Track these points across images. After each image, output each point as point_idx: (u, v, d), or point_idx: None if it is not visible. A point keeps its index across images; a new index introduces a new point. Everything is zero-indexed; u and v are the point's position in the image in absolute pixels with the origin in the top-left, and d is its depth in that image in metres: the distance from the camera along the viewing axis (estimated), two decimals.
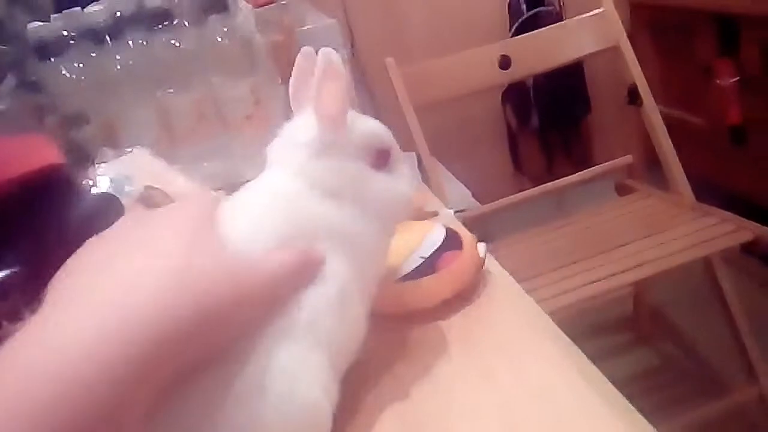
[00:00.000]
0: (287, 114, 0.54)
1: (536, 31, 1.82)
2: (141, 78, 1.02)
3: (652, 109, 1.73)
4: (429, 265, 0.56)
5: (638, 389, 1.80)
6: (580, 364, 0.47)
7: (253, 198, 0.46)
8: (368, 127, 0.50)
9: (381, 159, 0.49)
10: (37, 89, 0.83)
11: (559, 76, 2.27)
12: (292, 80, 0.50)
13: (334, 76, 0.45)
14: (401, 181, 0.50)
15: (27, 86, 0.82)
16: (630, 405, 0.43)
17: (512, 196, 1.83)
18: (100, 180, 0.89)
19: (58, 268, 0.45)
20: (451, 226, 0.62)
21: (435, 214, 0.78)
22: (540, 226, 1.78)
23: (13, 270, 0.48)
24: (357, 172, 0.47)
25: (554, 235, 1.73)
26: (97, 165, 0.93)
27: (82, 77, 0.95)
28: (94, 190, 0.66)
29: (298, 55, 0.50)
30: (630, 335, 2.12)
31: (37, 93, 0.83)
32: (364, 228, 0.46)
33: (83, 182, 0.80)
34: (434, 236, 0.59)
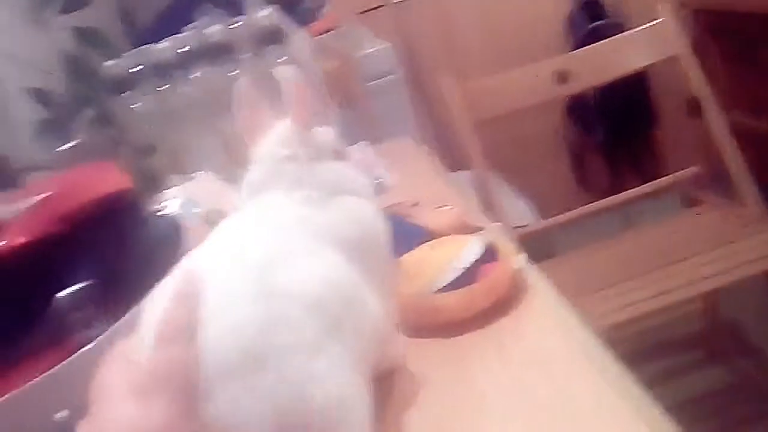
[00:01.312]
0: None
1: (594, 44, 1.82)
2: (205, 109, 1.08)
3: (717, 119, 1.70)
4: (466, 277, 0.59)
5: (710, 408, 1.74)
6: (618, 377, 0.48)
7: (272, 224, 0.48)
8: (324, 130, 0.55)
9: (340, 156, 0.54)
10: (111, 122, 0.90)
11: (623, 87, 2.24)
12: (240, 113, 0.54)
13: (298, 86, 0.50)
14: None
15: (102, 120, 0.89)
16: (664, 421, 0.43)
17: (575, 210, 1.82)
18: (169, 203, 0.96)
19: (127, 283, 0.50)
20: (492, 240, 0.65)
21: (480, 228, 0.81)
22: (605, 240, 1.76)
23: (87, 283, 0.54)
24: (339, 166, 0.53)
25: (619, 248, 1.71)
26: (165, 190, 0.99)
27: (151, 110, 1.03)
28: (160, 214, 0.72)
29: (236, 88, 0.54)
30: (701, 352, 2.05)
31: (110, 126, 0.90)
32: (364, 217, 0.51)
33: (151, 206, 0.86)
34: (473, 249, 0.61)
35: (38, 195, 0.55)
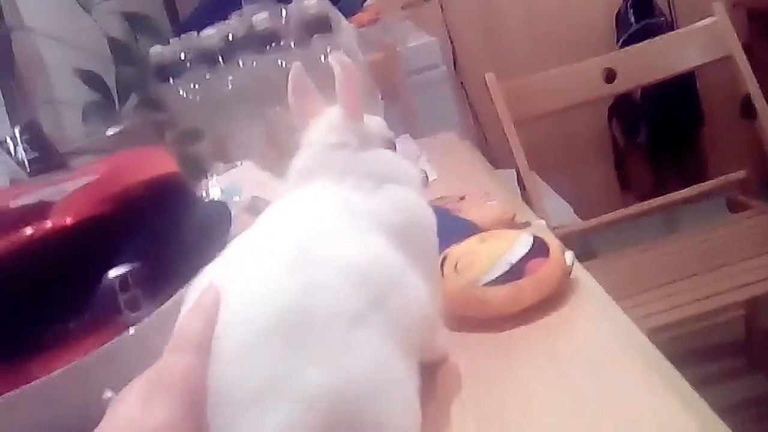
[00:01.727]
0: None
1: (643, 42, 1.78)
2: (251, 97, 1.08)
3: (767, 121, 1.66)
4: (515, 271, 0.58)
5: (749, 416, 1.71)
6: (667, 375, 0.46)
7: (315, 206, 0.47)
8: (374, 118, 0.54)
9: (390, 145, 0.54)
10: (157, 108, 0.91)
11: (670, 88, 2.20)
12: (292, 97, 0.54)
13: (350, 74, 0.50)
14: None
15: (148, 105, 0.90)
16: (717, 421, 0.41)
17: (617, 212, 1.79)
18: (212, 190, 0.96)
19: (174, 265, 0.49)
20: (542, 235, 0.63)
21: (527, 224, 0.79)
22: (647, 243, 1.73)
23: (134, 265, 0.54)
24: (388, 155, 0.52)
25: (661, 251, 1.68)
26: (209, 177, 1.00)
27: (197, 97, 1.03)
28: (206, 199, 0.72)
29: (292, 72, 0.54)
30: (742, 360, 2.01)
31: (156, 111, 0.90)
32: (411, 206, 0.50)
33: (197, 191, 0.86)
34: (522, 244, 0.60)
35: (85, 177, 0.55)
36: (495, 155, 2.25)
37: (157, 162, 0.59)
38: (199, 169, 0.93)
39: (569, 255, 0.61)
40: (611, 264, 1.65)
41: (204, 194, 0.93)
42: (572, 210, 2.23)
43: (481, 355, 0.55)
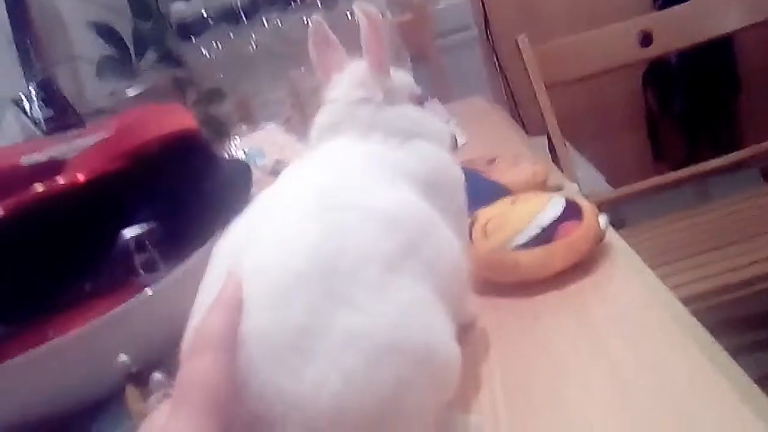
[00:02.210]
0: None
1: (682, 4, 1.71)
2: (275, 57, 1.06)
3: None
4: (546, 235, 0.55)
5: None
6: (702, 342, 0.44)
7: (340, 158, 0.46)
8: (401, 73, 0.52)
9: (418, 100, 0.51)
10: (177, 64, 0.88)
11: (707, 53, 2.13)
12: (314, 51, 0.51)
13: (376, 26, 0.47)
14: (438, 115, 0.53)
15: (167, 61, 0.87)
16: (753, 384, 0.39)
17: (648, 180, 1.74)
18: (236, 152, 0.94)
19: (194, 224, 0.48)
20: (575, 198, 0.61)
21: (560, 188, 0.76)
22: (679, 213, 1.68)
23: (151, 225, 0.52)
24: (415, 112, 0.50)
25: (693, 221, 1.64)
26: (232, 139, 0.98)
27: (220, 56, 1.01)
28: (229, 157, 0.70)
29: (312, 25, 0.51)
30: None
31: (176, 68, 0.88)
32: (439, 161, 0.48)
33: (218, 151, 0.84)
34: (554, 206, 0.57)
35: (99, 133, 0.53)
36: (526, 122, 2.20)
37: (175, 118, 0.57)
38: (221, 131, 0.91)
39: (603, 218, 0.58)
40: (642, 233, 1.61)
41: (226, 156, 0.92)
42: (603, 179, 2.18)
43: (510, 321, 0.53)
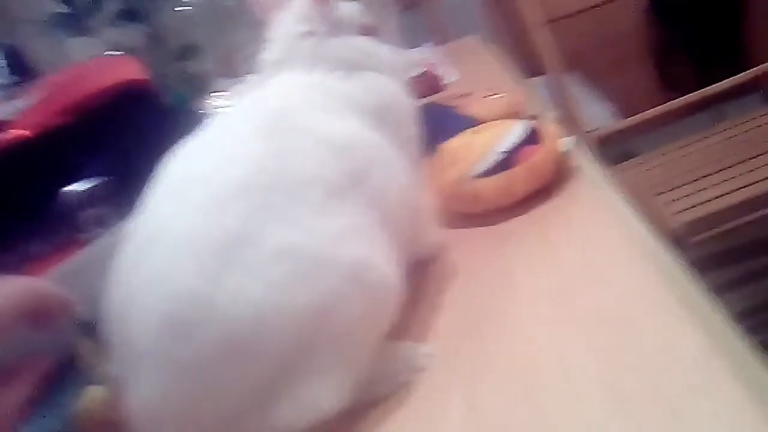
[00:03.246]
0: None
1: None
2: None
3: None
4: (507, 161, 0.53)
5: None
6: (657, 257, 0.43)
7: (293, 90, 0.46)
8: (348, 4, 0.51)
9: (369, 32, 0.50)
10: (141, 19, 0.86)
11: None
12: None
13: None
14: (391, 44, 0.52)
15: (129, 15, 0.85)
16: (704, 297, 0.38)
17: (654, 109, 1.70)
18: (217, 106, 0.93)
19: (140, 178, 0.47)
20: (538, 123, 0.58)
21: (535, 117, 0.74)
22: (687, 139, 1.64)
23: (100, 180, 0.51)
24: (364, 42, 0.49)
25: (699, 146, 1.60)
26: (212, 93, 0.96)
27: (196, 9, 0.98)
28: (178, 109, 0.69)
29: None
30: None
31: (140, 23, 0.86)
32: (388, 92, 0.48)
33: (197, 108, 0.83)
34: (515, 132, 0.55)
35: (41, 91, 0.52)
36: (530, 62, 2.15)
37: (122, 69, 0.56)
38: (198, 85, 0.90)
39: (567, 141, 0.56)
40: (651, 162, 1.58)
41: (207, 112, 0.90)
42: (611, 112, 2.14)
43: (475, 250, 0.51)
